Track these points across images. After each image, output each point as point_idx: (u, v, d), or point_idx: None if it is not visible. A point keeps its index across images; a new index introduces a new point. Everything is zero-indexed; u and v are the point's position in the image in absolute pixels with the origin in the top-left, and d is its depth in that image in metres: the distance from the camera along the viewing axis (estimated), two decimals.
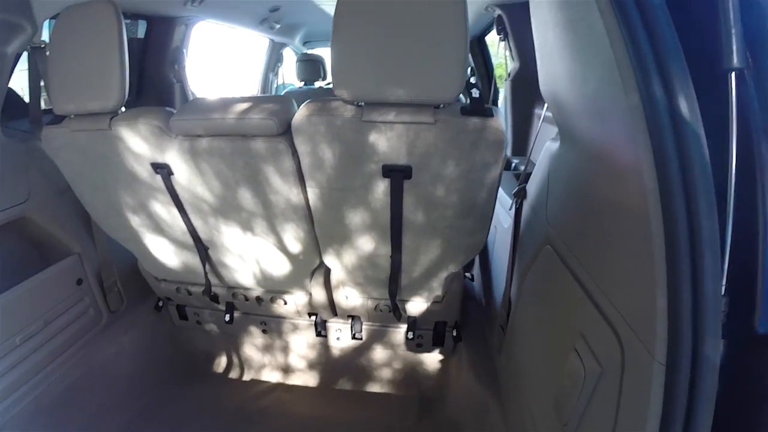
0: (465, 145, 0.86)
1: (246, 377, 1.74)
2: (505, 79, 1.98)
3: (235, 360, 1.78)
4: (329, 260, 1.23)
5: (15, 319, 1.27)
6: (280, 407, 1.59)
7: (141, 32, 1.99)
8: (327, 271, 1.33)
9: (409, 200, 0.98)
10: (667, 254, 0.47)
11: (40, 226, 1.38)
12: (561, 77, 0.73)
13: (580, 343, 0.66)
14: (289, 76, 3.53)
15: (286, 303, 1.46)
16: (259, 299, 1.48)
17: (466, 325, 1.48)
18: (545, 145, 0.95)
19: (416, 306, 1.34)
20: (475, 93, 0.85)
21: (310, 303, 1.43)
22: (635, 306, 0.55)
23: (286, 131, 0.96)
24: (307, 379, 1.68)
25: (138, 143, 1.05)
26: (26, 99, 1.46)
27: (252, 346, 1.73)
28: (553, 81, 0.78)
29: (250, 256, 1.31)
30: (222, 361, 1.80)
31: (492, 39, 2.65)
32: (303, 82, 3.13)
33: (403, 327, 1.43)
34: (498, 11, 1.89)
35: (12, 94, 1.52)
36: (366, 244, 1.13)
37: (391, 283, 1.21)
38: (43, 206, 1.36)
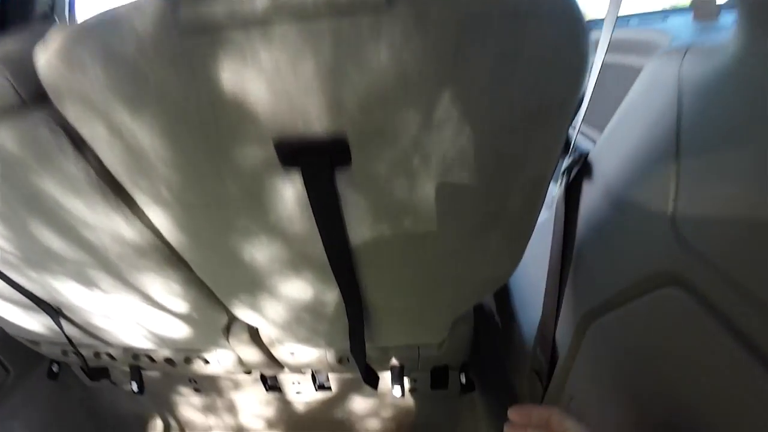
0: (489, 49, 0.28)
1: None
2: None
3: (173, 423, 1.25)
4: (244, 316, 0.67)
5: None
6: None
7: None
8: (250, 326, 0.78)
9: (356, 210, 0.41)
10: None
11: None
12: None
13: None
14: None
15: (208, 362, 0.92)
16: (169, 361, 0.93)
17: (476, 361, 0.95)
18: (648, 67, 0.39)
19: (401, 353, 0.81)
20: None
21: (241, 363, 0.88)
22: None
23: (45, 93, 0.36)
24: None
25: None
26: None
27: (189, 407, 1.20)
28: None
29: (121, 317, 0.74)
30: (156, 427, 1.26)
31: None
32: None
33: (386, 374, 0.90)
34: None
35: None
36: (295, 290, 0.57)
37: (353, 341, 0.66)
38: None
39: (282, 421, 1.14)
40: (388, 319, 0.65)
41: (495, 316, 0.98)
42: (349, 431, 1.12)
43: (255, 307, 0.62)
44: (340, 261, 0.47)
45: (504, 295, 0.93)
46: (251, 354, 0.81)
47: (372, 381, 0.74)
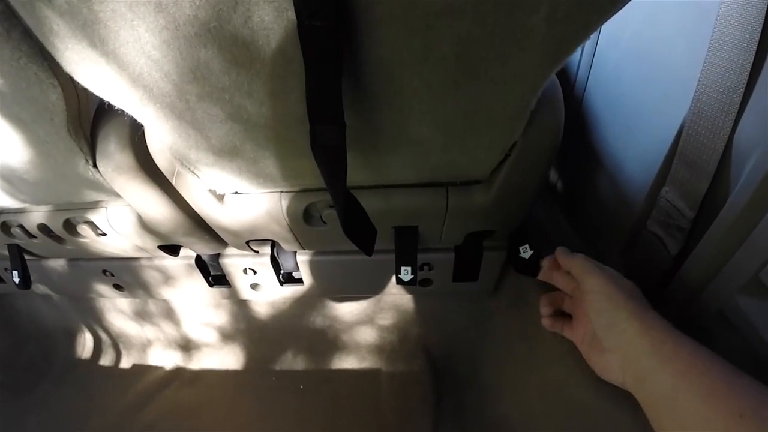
0: None
1: (124, 363, 0.91)
2: None
3: (104, 336, 0.94)
4: (89, 78, 0.29)
5: None
6: (185, 406, 0.78)
7: None
8: (134, 143, 0.41)
9: None
10: None
11: None
12: None
13: None
14: None
15: (102, 232, 0.57)
16: (48, 231, 0.58)
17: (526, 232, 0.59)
18: None
19: (415, 201, 0.44)
20: None
21: (146, 228, 0.53)
22: None
23: None
24: (222, 359, 0.85)
25: None
26: None
27: (118, 314, 0.87)
28: None
29: None
30: (85, 341, 0.95)
31: None
32: None
33: (388, 249, 0.54)
34: None
35: None
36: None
37: (320, 138, 0.28)
38: None
39: (239, 332, 0.82)
40: (386, 112, 0.28)
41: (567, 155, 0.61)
42: (331, 346, 0.79)
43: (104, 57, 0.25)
44: None
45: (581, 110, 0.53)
46: (142, 191, 0.45)
47: (358, 231, 0.38)
